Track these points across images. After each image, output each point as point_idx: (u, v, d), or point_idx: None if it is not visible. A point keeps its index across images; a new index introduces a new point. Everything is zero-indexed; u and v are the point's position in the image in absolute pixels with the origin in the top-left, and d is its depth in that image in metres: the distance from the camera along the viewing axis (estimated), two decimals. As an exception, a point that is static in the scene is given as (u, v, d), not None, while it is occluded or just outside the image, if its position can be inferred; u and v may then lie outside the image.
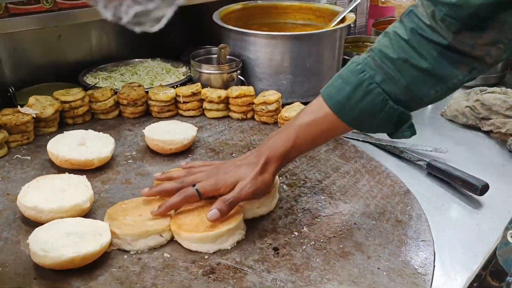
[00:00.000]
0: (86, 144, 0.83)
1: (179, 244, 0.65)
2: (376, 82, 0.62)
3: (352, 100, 0.63)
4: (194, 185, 0.67)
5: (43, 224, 0.64)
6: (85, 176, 0.75)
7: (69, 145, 0.82)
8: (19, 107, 0.88)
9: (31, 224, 0.67)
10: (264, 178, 0.67)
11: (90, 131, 0.88)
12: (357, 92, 0.63)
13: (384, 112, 0.63)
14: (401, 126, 0.65)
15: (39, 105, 0.89)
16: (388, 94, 0.62)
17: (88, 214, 0.70)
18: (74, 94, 0.95)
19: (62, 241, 0.60)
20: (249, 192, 0.66)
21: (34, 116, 0.87)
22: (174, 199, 0.66)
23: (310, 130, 0.67)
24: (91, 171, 0.82)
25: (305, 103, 1.04)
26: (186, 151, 0.89)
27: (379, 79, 0.62)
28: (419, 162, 0.93)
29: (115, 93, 1.00)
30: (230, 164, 0.70)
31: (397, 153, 0.98)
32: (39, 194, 0.69)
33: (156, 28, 0.29)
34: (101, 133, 0.88)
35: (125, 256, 0.63)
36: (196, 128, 0.92)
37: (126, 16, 0.27)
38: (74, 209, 0.67)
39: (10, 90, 0.95)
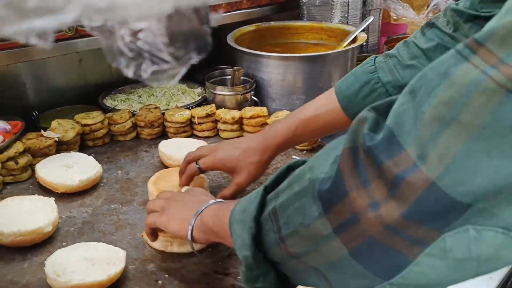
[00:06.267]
0: (74, 167, 0.85)
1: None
2: (382, 82, 0.67)
3: (358, 96, 0.69)
4: (197, 163, 0.76)
5: (5, 246, 0.68)
6: (53, 198, 0.77)
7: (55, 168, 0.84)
8: (42, 131, 0.92)
9: (55, 246, 0.70)
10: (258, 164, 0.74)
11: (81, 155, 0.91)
12: (364, 88, 0.68)
13: None
14: None
15: (61, 129, 0.93)
16: (391, 95, 0.66)
17: (108, 236, 0.73)
18: (94, 117, 0.98)
19: (76, 265, 0.62)
20: None
21: (57, 139, 0.91)
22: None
23: (309, 125, 0.72)
24: (111, 193, 0.85)
25: (317, 123, 1.06)
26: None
27: (386, 80, 0.67)
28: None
29: (133, 115, 1.04)
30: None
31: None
32: (4, 215, 0.71)
33: (172, 83, 0.32)
34: (91, 156, 0.90)
35: (144, 279, 0.65)
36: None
37: (145, 74, 0.30)
38: (36, 233, 0.69)
39: (34, 114, 1.00)
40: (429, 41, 0.66)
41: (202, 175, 0.81)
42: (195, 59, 0.34)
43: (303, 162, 0.43)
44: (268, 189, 0.46)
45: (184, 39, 0.33)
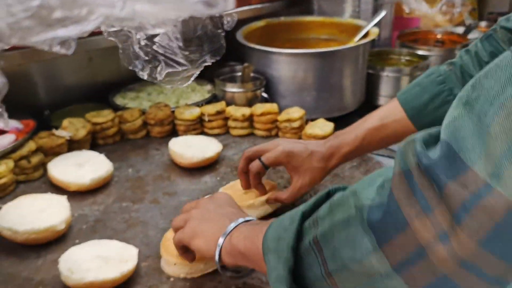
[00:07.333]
0: (85, 166, 0.85)
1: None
2: (454, 95, 0.66)
3: (428, 107, 0.68)
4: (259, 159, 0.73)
5: (20, 243, 0.69)
6: (65, 196, 0.77)
7: (68, 167, 0.84)
8: (54, 130, 0.93)
9: (69, 243, 0.70)
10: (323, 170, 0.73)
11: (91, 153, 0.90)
12: (435, 100, 0.68)
13: None
14: None
15: (72, 128, 0.94)
16: None
17: (120, 233, 0.74)
18: (104, 116, 0.99)
19: (89, 263, 0.62)
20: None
21: (68, 138, 0.92)
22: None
23: (377, 134, 0.72)
24: (122, 191, 0.85)
25: (329, 119, 1.04)
26: (211, 170, 0.92)
27: (457, 92, 0.67)
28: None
29: (143, 113, 1.04)
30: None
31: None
32: (18, 214, 0.71)
33: (185, 85, 0.32)
34: (102, 154, 0.90)
35: (156, 276, 0.65)
36: (221, 145, 0.95)
37: (159, 76, 0.30)
38: (49, 231, 0.69)
39: (46, 112, 1.00)
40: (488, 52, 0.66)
41: (272, 182, 0.78)
42: (209, 61, 0.34)
43: (344, 188, 0.40)
44: (306, 215, 0.41)
45: (199, 41, 0.33)
